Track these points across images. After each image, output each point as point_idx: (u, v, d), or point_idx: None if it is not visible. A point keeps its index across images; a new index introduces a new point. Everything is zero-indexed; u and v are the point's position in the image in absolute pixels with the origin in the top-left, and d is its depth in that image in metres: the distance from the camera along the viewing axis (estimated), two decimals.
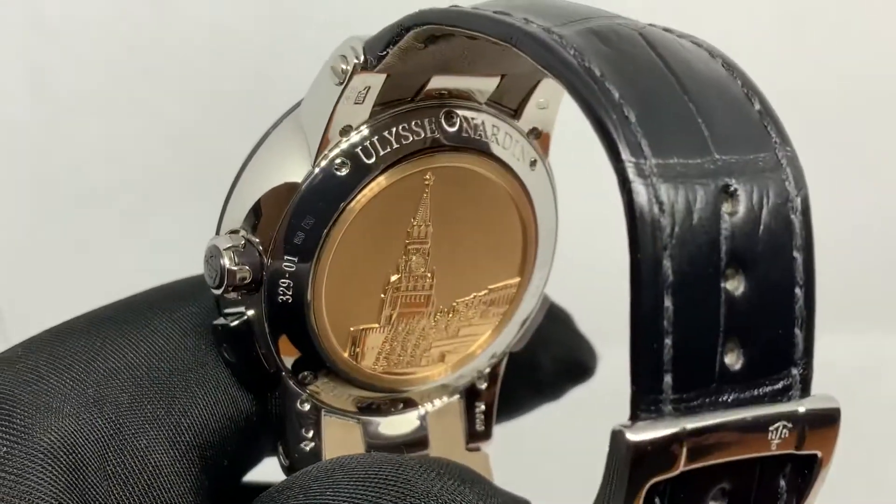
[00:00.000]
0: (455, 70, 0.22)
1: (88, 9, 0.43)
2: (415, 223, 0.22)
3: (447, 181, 0.22)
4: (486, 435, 0.26)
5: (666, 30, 0.18)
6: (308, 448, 0.23)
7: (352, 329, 0.23)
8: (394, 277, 0.22)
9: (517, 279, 0.25)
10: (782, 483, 0.16)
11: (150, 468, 0.21)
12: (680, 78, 0.16)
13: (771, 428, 0.15)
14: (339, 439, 0.23)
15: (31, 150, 0.46)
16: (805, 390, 0.16)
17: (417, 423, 0.25)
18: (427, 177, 0.22)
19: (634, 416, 0.14)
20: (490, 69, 0.22)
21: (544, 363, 0.27)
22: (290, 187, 0.21)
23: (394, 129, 0.21)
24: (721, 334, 0.15)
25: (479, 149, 0.22)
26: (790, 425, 0.15)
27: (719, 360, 0.15)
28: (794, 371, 0.16)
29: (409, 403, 0.25)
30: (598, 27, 0.16)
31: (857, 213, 0.52)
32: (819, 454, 0.16)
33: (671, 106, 0.15)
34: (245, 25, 0.44)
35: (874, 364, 0.53)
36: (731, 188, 0.15)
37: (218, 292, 0.21)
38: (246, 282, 0.21)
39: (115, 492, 0.20)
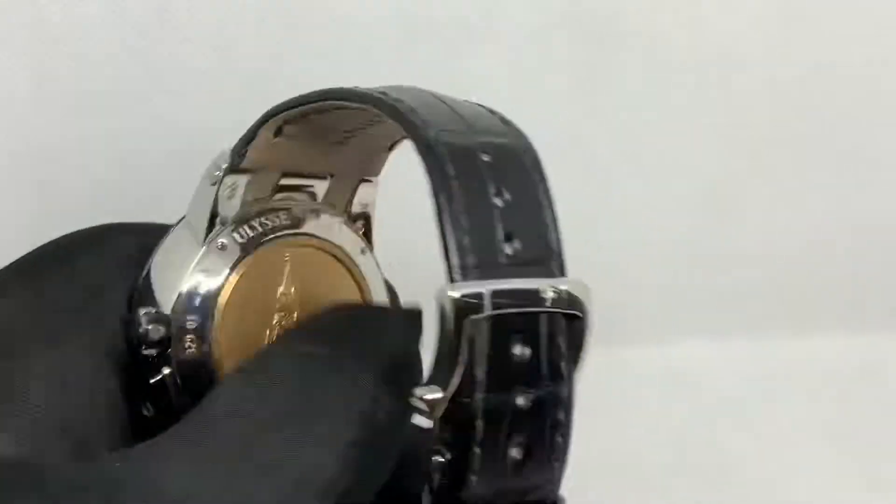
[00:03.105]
0: (298, 171, 0.29)
1: (89, 10, 0.43)
2: (281, 290, 0.28)
3: (303, 257, 0.29)
4: None
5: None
6: None
7: None
8: (269, 332, 0.28)
9: None
10: (560, 339, 0.21)
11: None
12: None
13: (541, 292, 0.21)
14: None
15: (32, 150, 0.46)
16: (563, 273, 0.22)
17: None
18: (286, 255, 0.28)
19: (452, 281, 0.20)
20: (322, 168, 0.29)
21: None
22: (185, 268, 0.27)
23: (257, 220, 0.28)
24: (501, 239, 0.21)
25: (323, 237, 0.29)
26: (557, 289, 0.21)
27: (503, 251, 0.21)
28: (554, 262, 0.22)
29: None
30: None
31: (857, 214, 0.52)
32: (580, 314, 0.22)
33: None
34: (246, 26, 0.44)
35: (874, 364, 0.53)
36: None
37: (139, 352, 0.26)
38: (158, 338, 0.26)
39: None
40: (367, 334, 0.25)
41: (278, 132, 0.29)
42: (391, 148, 0.29)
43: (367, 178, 0.30)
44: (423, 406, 0.20)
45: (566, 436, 0.20)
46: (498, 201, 0.22)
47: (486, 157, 0.23)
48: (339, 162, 0.30)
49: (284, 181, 0.30)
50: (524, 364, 0.20)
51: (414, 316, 0.26)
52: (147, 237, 0.28)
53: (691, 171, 0.50)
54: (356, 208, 0.31)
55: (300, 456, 0.20)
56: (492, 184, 0.22)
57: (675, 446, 0.49)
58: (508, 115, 0.47)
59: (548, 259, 0.22)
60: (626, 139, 0.48)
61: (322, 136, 0.29)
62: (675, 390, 0.52)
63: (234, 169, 0.29)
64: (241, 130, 0.49)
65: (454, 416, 0.19)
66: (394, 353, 0.24)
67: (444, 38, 0.45)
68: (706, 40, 0.46)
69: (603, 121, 0.48)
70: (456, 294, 0.20)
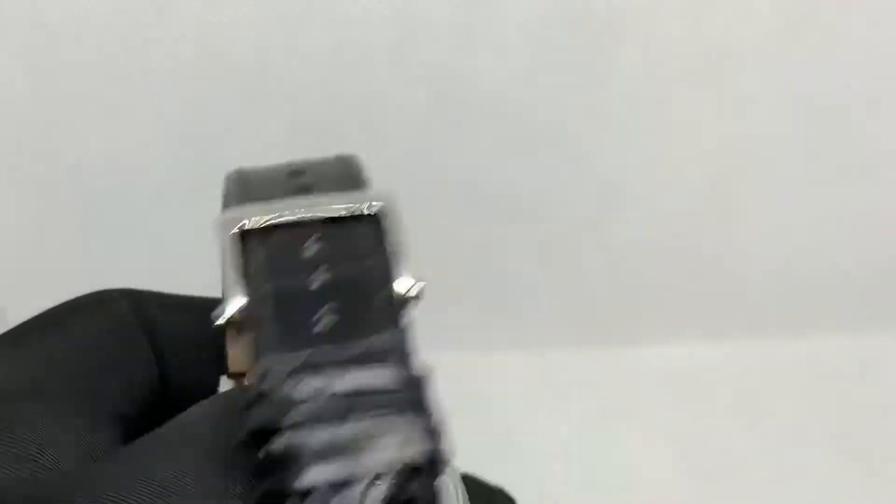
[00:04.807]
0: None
1: (89, 9, 0.43)
2: None
3: None
4: None
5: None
6: None
7: None
8: None
9: None
10: (355, 235, 0.21)
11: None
12: None
13: (321, 206, 0.21)
14: None
15: (32, 150, 0.46)
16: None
17: None
18: None
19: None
20: None
21: None
22: None
23: None
24: (290, 180, 0.23)
25: None
26: (348, 205, 0.22)
27: (290, 185, 0.23)
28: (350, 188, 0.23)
29: None
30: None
31: (858, 214, 0.52)
32: (374, 214, 0.21)
33: None
34: (245, 26, 0.44)
35: (874, 364, 0.53)
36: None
37: None
38: None
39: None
40: None
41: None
42: None
43: None
44: (220, 321, 0.20)
45: (392, 302, 0.20)
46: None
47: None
48: None
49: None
50: (312, 258, 0.21)
51: None
52: (140, 300, 0.27)
53: (691, 170, 0.50)
54: None
55: None
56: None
57: (676, 446, 0.49)
58: (508, 116, 0.47)
59: (344, 188, 0.23)
60: (626, 139, 0.48)
61: None
62: (675, 390, 0.52)
63: (225, 373, 0.29)
64: (240, 130, 0.49)
65: (247, 315, 0.20)
66: None
67: (445, 38, 0.45)
68: (706, 40, 0.46)
69: (603, 121, 0.48)
70: (224, 216, 0.21)
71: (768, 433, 0.50)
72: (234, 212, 0.21)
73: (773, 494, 0.47)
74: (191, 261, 0.47)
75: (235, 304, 0.20)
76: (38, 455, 0.21)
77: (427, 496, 0.18)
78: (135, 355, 0.25)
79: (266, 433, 0.18)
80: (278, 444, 0.18)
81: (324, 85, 0.45)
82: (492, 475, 0.41)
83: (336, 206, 0.22)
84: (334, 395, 0.19)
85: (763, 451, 0.49)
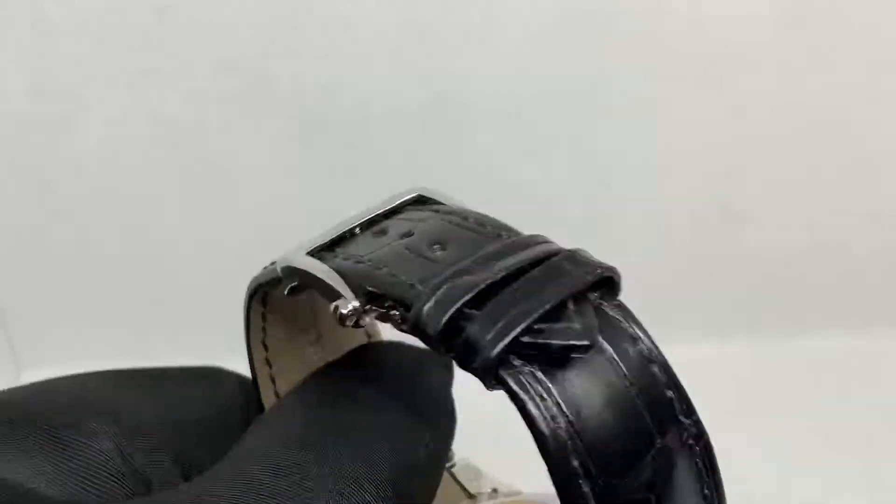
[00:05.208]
0: None
1: (89, 9, 0.43)
2: None
3: None
4: None
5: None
6: None
7: None
8: None
9: None
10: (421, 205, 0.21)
11: None
12: None
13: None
14: None
15: (32, 149, 0.46)
16: None
17: None
18: None
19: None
20: None
21: None
22: None
23: None
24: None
25: None
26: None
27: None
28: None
29: None
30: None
31: (857, 213, 0.52)
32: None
33: None
34: (246, 26, 0.44)
35: (874, 364, 0.53)
36: None
37: None
38: None
39: None
40: (404, 373, 0.24)
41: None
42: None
43: None
44: (347, 309, 0.19)
45: (492, 222, 0.21)
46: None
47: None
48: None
49: None
50: (399, 231, 0.21)
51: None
52: (248, 387, 0.26)
53: (691, 170, 0.50)
54: None
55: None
56: None
57: None
58: (508, 116, 0.47)
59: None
60: (626, 139, 0.48)
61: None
62: None
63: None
64: (242, 130, 0.49)
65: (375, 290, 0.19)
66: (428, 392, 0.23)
67: (444, 38, 0.45)
68: (706, 41, 0.46)
69: (602, 121, 0.48)
70: (286, 253, 0.21)
71: (768, 433, 0.50)
72: (293, 249, 0.21)
73: (773, 494, 0.47)
74: (190, 260, 0.47)
75: (349, 297, 0.19)
76: (91, 476, 0.21)
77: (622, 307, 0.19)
78: (230, 431, 0.25)
79: (455, 323, 0.18)
80: (481, 315, 0.18)
81: (324, 85, 0.45)
82: (491, 475, 0.41)
83: (385, 205, 0.21)
84: (500, 268, 0.19)
85: (763, 451, 0.49)
